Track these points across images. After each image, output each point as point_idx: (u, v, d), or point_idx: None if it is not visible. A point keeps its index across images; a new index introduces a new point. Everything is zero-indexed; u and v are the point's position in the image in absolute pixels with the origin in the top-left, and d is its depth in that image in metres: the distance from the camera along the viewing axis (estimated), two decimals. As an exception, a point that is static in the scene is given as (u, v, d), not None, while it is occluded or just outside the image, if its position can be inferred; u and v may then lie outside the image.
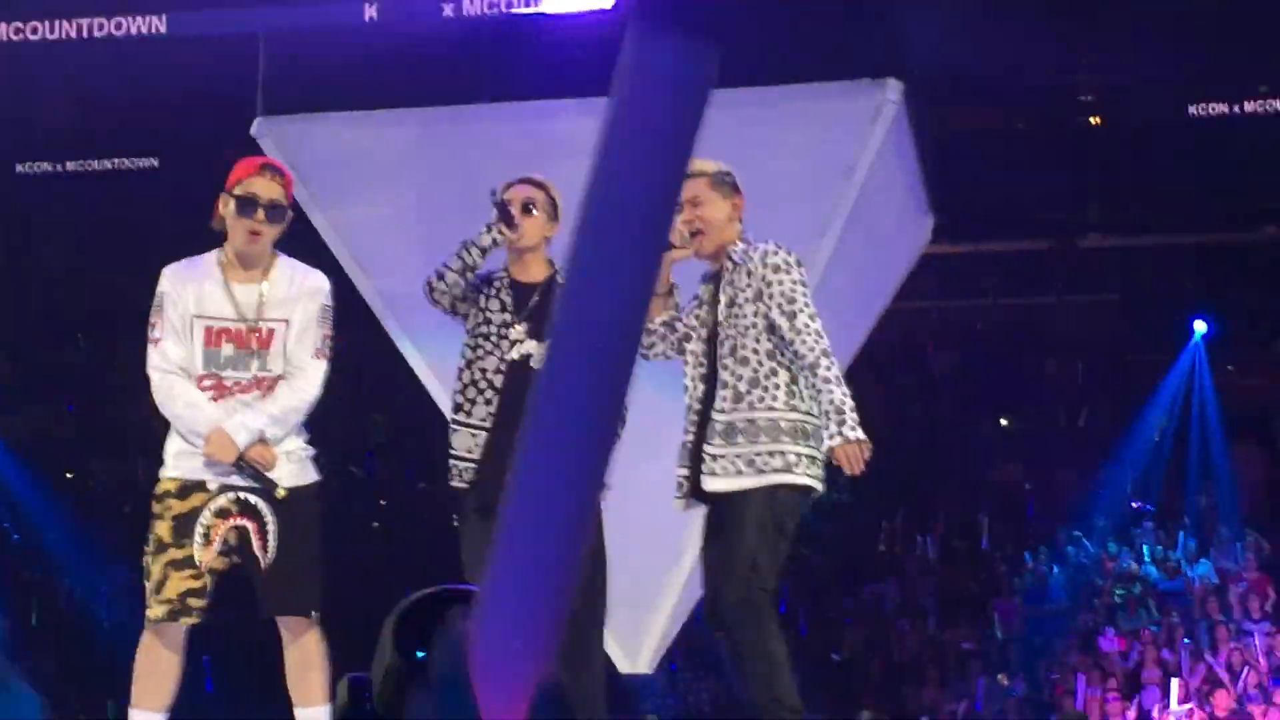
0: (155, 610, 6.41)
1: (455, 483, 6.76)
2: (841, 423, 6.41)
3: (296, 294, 6.54)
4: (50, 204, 25.28)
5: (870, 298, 11.70)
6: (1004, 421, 21.55)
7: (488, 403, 6.69)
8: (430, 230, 10.15)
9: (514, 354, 6.71)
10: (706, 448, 6.48)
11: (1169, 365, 20.37)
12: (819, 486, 6.54)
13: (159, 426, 6.82)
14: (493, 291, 6.80)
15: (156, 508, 6.46)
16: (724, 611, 6.41)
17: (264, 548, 6.44)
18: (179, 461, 6.50)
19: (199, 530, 6.39)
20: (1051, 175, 22.60)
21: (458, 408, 6.75)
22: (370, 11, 17.06)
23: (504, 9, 20.10)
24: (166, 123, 23.50)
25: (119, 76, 22.87)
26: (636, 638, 10.53)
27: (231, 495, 6.43)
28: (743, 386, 6.49)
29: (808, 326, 6.44)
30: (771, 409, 6.49)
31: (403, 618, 3.09)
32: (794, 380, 6.53)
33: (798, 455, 6.48)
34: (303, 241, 11.05)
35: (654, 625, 10.48)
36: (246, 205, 6.47)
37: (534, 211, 6.77)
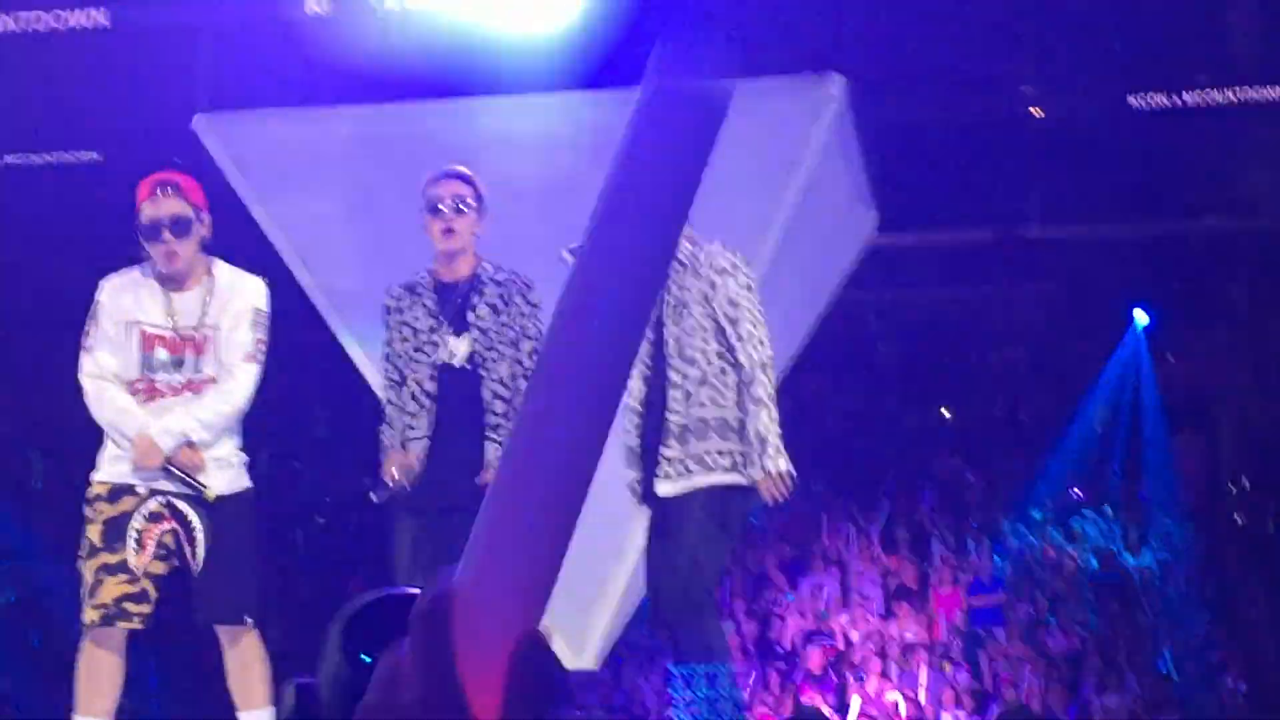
0: (89, 614, 6.39)
1: (390, 492, 6.73)
2: (763, 453, 6.43)
3: (230, 299, 6.55)
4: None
5: (815, 291, 11.72)
6: (945, 412, 21.62)
7: (430, 413, 6.69)
8: (371, 226, 10.14)
9: (442, 356, 6.70)
10: (662, 450, 6.51)
11: (1109, 355, 20.46)
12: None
13: (99, 426, 6.80)
14: (415, 300, 6.76)
15: (88, 512, 6.46)
16: (667, 610, 6.44)
17: (193, 554, 6.44)
18: (110, 466, 6.49)
19: (131, 535, 6.39)
20: (992, 166, 22.70)
21: (406, 426, 6.73)
22: (312, 5, 17.01)
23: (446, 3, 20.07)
24: (108, 117, 23.43)
25: (60, 70, 22.78)
26: (581, 633, 10.54)
27: (161, 499, 6.43)
28: (691, 386, 6.52)
29: (750, 335, 6.48)
30: (721, 407, 6.53)
31: (350, 622, 3.08)
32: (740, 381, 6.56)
33: (744, 454, 6.52)
34: (245, 236, 11.03)
35: (599, 621, 10.49)
36: (150, 231, 6.49)
37: (465, 210, 6.77)
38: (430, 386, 6.73)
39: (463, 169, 7.03)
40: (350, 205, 10.36)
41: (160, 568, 6.47)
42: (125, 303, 6.58)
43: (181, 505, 6.47)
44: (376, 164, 10.00)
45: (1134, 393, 20.01)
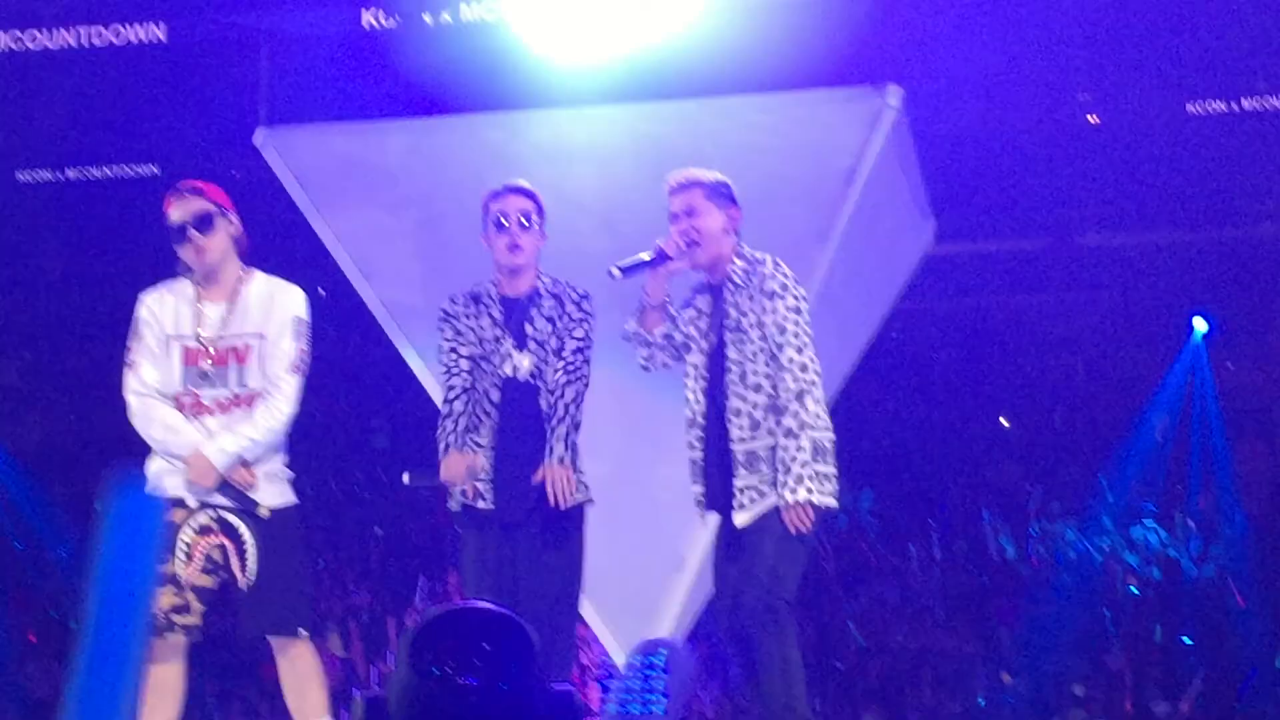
0: None
1: (461, 504, 6.77)
2: (785, 483, 6.43)
3: (269, 309, 6.60)
4: (51, 211, 25.33)
5: (874, 302, 11.72)
6: (1004, 421, 21.56)
7: (492, 424, 6.73)
8: (431, 238, 10.19)
9: (506, 369, 6.74)
10: (735, 481, 6.54)
11: (1170, 363, 20.38)
12: (835, 504, 6.60)
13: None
14: (481, 310, 6.81)
15: None
16: (746, 620, 6.46)
17: (242, 568, 6.49)
18: (159, 481, 6.54)
19: (180, 547, 6.43)
20: (1050, 174, 22.66)
21: (468, 429, 6.77)
22: (368, 18, 17.09)
23: (503, 15, 20.14)
24: (168, 130, 23.55)
25: (119, 84, 22.93)
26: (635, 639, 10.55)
27: (211, 513, 6.49)
28: (759, 414, 6.55)
29: (792, 361, 6.50)
30: (791, 433, 6.55)
31: (419, 635, 3.11)
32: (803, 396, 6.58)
33: (816, 474, 6.54)
34: (308, 250, 11.09)
35: (658, 631, 10.50)
36: (177, 234, 6.58)
37: (529, 225, 6.81)
38: (495, 396, 6.78)
39: (525, 183, 7.06)
40: (409, 217, 10.41)
41: (206, 580, 6.53)
42: (166, 316, 6.65)
43: (231, 519, 6.52)
44: (436, 177, 10.05)
45: (1195, 401, 19.92)
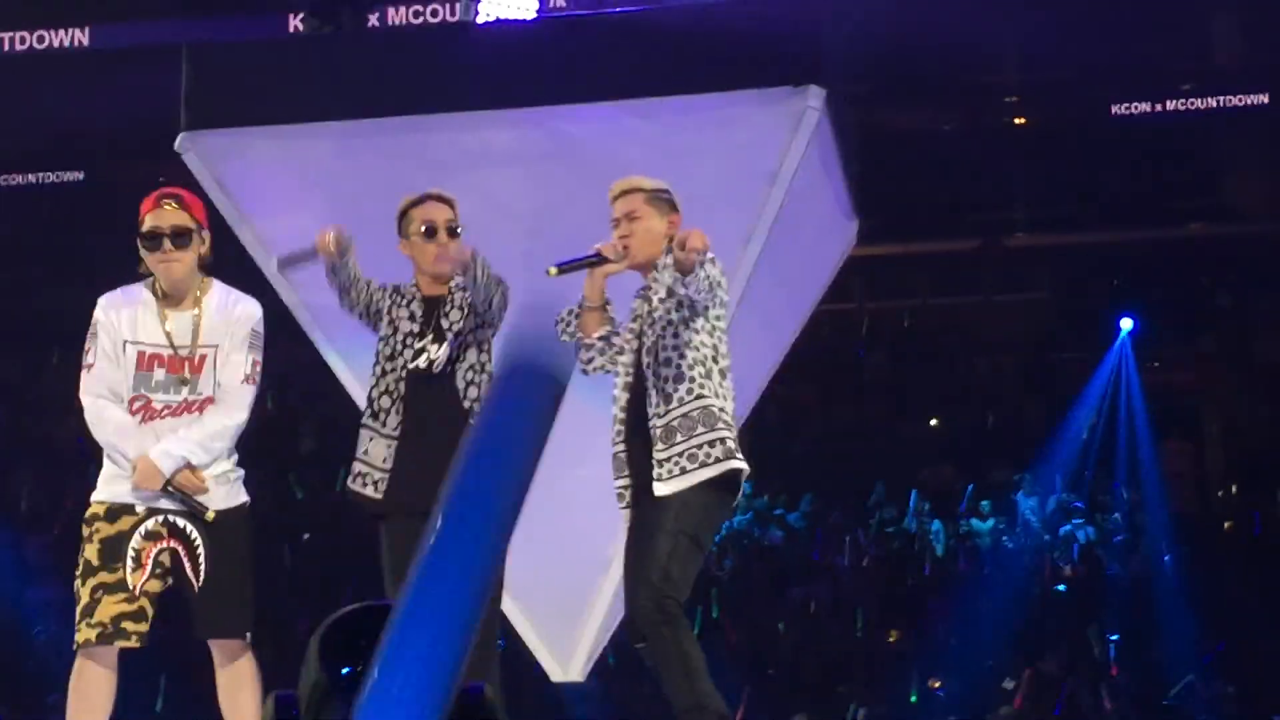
0: (84, 633, 6.42)
1: (360, 487, 6.81)
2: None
3: (226, 320, 6.60)
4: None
5: (797, 302, 11.76)
6: (934, 421, 21.67)
7: (398, 412, 6.77)
8: (357, 245, 10.15)
9: (420, 362, 6.79)
10: (654, 453, 6.56)
11: (1097, 363, 20.52)
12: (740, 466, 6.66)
13: (88, 444, 6.85)
14: (403, 301, 6.89)
15: (85, 531, 6.50)
16: (638, 619, 6.48)
17: (195, 571, 6.47)
18: (108, 485, 6.53)
19: (129, 554, 6.42)
20: (977, 175, 22.81)
21: (373, 415, 6.83)
22: (295, 23, 17.05)
23: (429, 19, 20.15)
24: (92, 136, 23.41)
25: (43, 90, 22.78)
26: (568, 645, 10.57)
27: (160, 518, 6.47)
28: (669, 387, 6.59)
29: (699, 330, 6.58)
30: (701, 398, 6.59)
31: (329, 633, 3.10)
32: (708, 373, 6.64)
33: (736, 440, 6.62)
34: (232, 254, 11.05)
35: (585, 632, 10.52)
36: (150, 240, 6.57)
37: (456, 234, 6.85)
38: (401, 388, 6.81)
39: (444, 192, 7.07)
40: (332, 221, 10.37)
41: (157, 586, 6.50)
42: (123, 321, 6.62)
43: (181, 522, 6.50)
44: (360, 180, 10.02)
45: (1122, 400, 20.05)
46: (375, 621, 3.12)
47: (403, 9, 20.32)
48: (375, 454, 6.84)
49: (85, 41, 23.22)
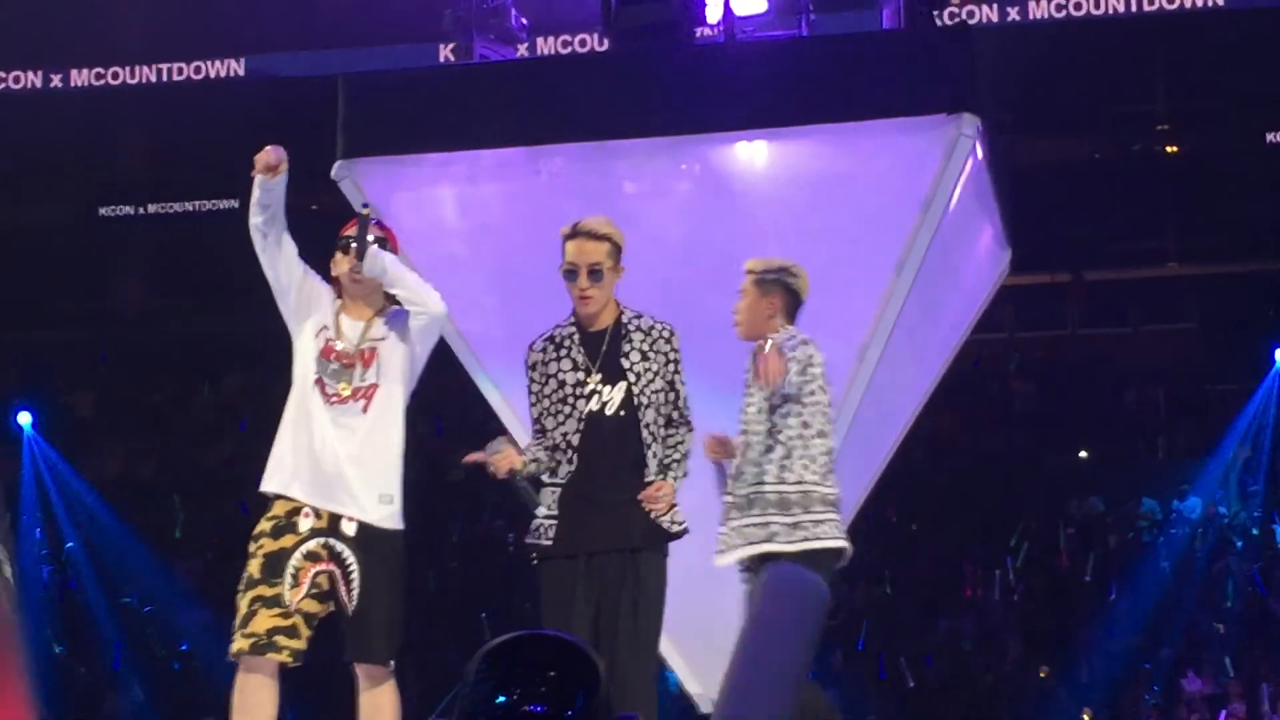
0: (239, 643, 6.50)
1: (536, 540, 6.78)
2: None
3: (393, 323, 6.74)
4: (132, 245, 25.59)
5: (948, 331, 11.68)
6: (1083, 453, 21.43)
7: (570, 462, 6.71)
8: (507, 271, 10.20)
9: (592, 406, 6.73)
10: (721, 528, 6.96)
11: (1249, 394, 20.22)
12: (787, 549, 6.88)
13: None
14: (562, 352, 6.79)
15: (251, 547, 6.58)
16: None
17: (349, 594, 6.53)
18: (276, 477, 6.62)
19: (289, 570, 6.49)
20: (1128, 205, 22.60)
21: (549, 471, 6.79)
22: (445, 52, 17.20)
23: (578, 48, 20.25)
24: (246, 164, 23.68)
25: (198, 119, 23.15)
26: (710, 665, 10.51)
27: (320, 540, 6.53)
28: (743, 466, 6.97)
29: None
30: (761, 484, 6.91)
31: (485, 661, 3.11)
32: (788, 455, 6.89)
33: (780, 525, 6.88)
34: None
35: (727, 653, 10.45)
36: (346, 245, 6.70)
37: (598, 275, 6.77)
38: (575, 439, 6.72)
39: (597, 224, 6.91)
40: (486, 249, 10.44)
41: (314, 606, 6.56)
42: (323, 305, 6.77)
43: (339, 546, 6.56)
44: (508, 207, 10.08)
45: (1275, 431, 19.76)
46: (530, 651, 3.13)
47: (551, 39, 20.45)
48: (545, 502, 6.83)
49: (240, 72, 23.59)
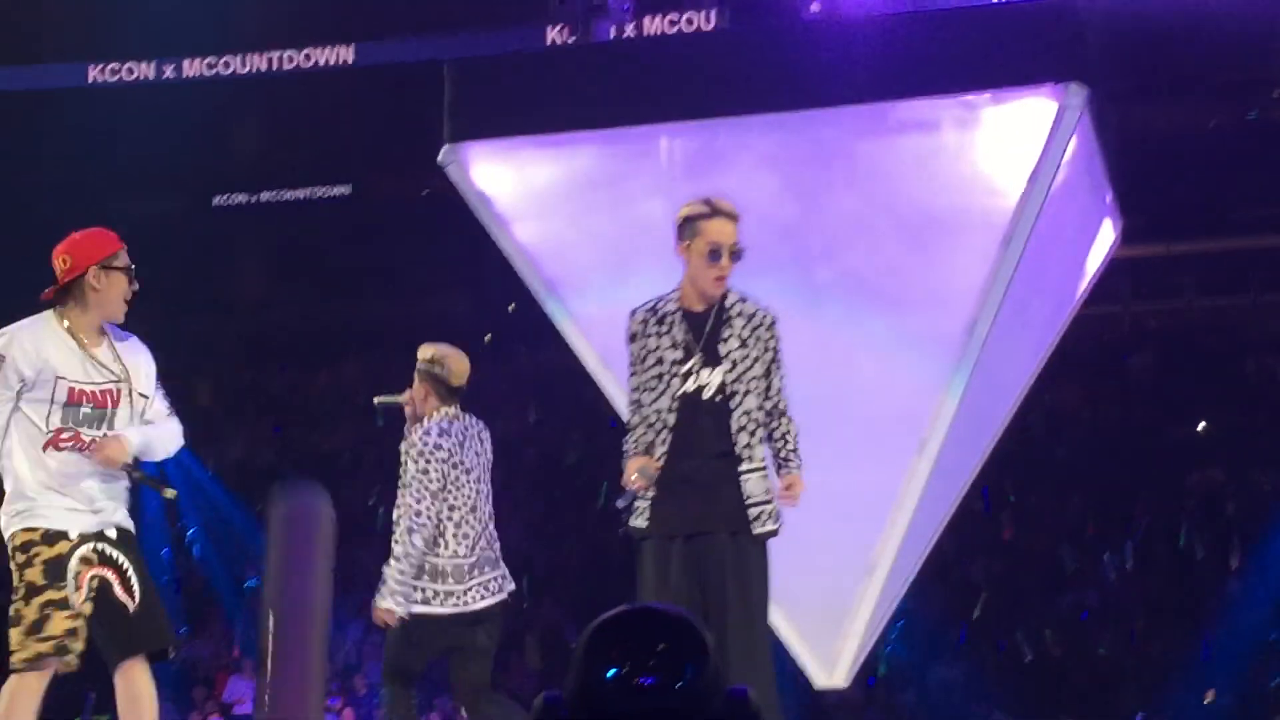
0: (34, 648, 6.51)
1: (633, 520, 6.75)
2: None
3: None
4: (246, 233, 25.84)
5: (1059, 303, 11.61)
6: (1201, 425, 21.19)
7: (664, 442, 6.65)
8: (616, 250, 10.23)
9: (688, 387, 6.66)
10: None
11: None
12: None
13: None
14: (664, 329, 6.71)
15: (21, 557, 6.62)
16: None
17: (128, 591, 6.61)
18: (39, 515, 6.67)
19: (70, 574, 6.55)
20: (1244, 172, 22.33)
21: (646, 449, 6.72)
22: (553, 34, 17.24)
23: (684, 27, 20.26)
24: (357, 151, 23.90)
25: (309, 106, 23.34)
26: (832, 652, 10.52)
27: (90, 546, 6.61)
28: None
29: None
30: None
31: (596, 635, 3.13)
32: None
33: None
34: (496, 263, 11.21)
35: (849, 639, 10.46)
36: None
37: (740, 257, 6.69)
38: (670, 418, 6.67)
39: (731, 206, 6.85)
40: (594, 229, 10.47)
41: (88, 609, 6.62)
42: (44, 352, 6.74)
43: (108, 549, 6.64)
44: (615, 187, 10.11)
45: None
46: (640, 625, 3.14)
47: (659, 18, 20.44)
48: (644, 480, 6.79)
49: (350, 59, 23.74)
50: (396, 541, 7.74)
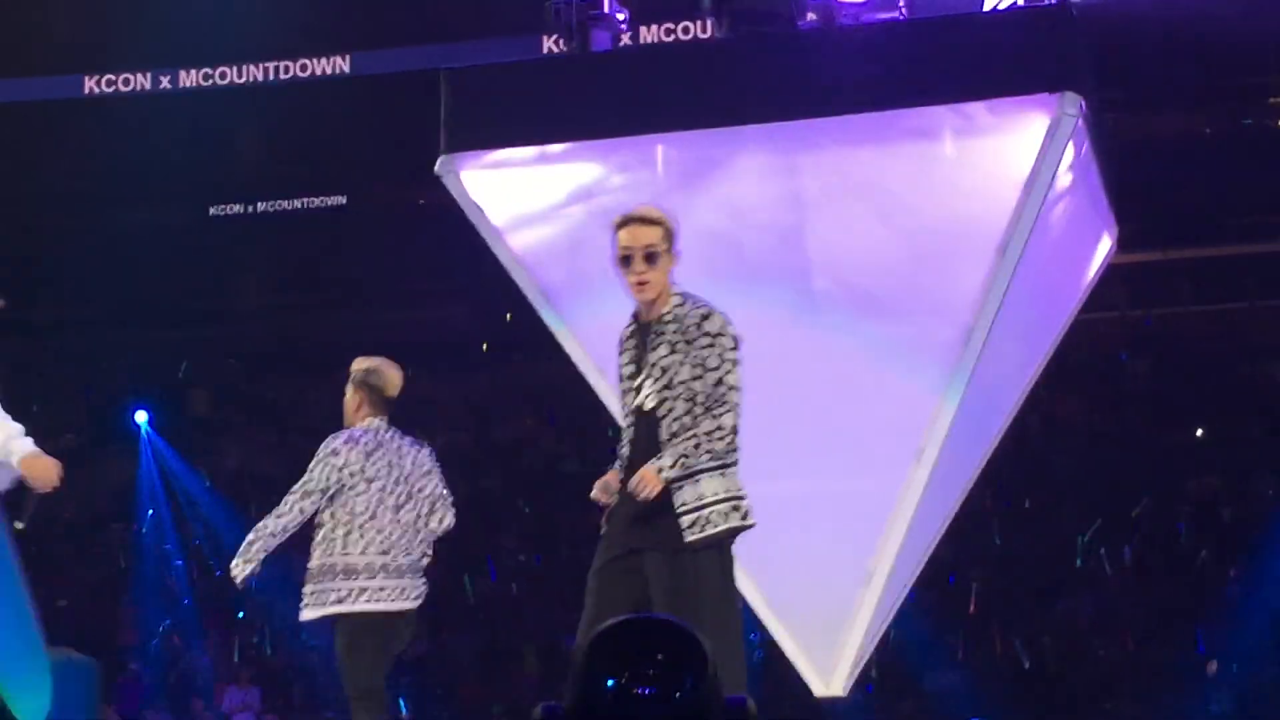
0: None
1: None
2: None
3: None
4: (243, 243, 25.83)
5: (1056, 310, 11.63)
6: (1199, 431, 21.22)
7: (623, 457, 6.61)
8: (612, 260, 10.22)
9: (639, 400, 6.62)
10: None
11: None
12: None
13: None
14: (625, 344, 6.69)
15: None
16: None
17: None
18: None
19: None
20: (1240, 179, 22.35)
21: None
22: (549, 44, 17.24)
23: (680, 35, 20.27)
24: (353, 161, 23.91)
25: (306, 116, 23.35)
26: (830, 660, 10.52)
27: None
28: None
29: None
30: None
31: (595, 645, 3.14)
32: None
33: None
34: (493, 272, 11.22)
35: (847, 647, 10.46)
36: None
37: (655, 258, 6.58)
38: (628, 432, 6.67)
39: (650, 210, 6.79)
40: (590, 240, 10.46)
41: None
42: None
43: None
44: (611, 196, 10.10)
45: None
46: (639, 636, 3.15)
47: (656, 28, 20.47)
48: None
49: (346, 69, 23.77)
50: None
